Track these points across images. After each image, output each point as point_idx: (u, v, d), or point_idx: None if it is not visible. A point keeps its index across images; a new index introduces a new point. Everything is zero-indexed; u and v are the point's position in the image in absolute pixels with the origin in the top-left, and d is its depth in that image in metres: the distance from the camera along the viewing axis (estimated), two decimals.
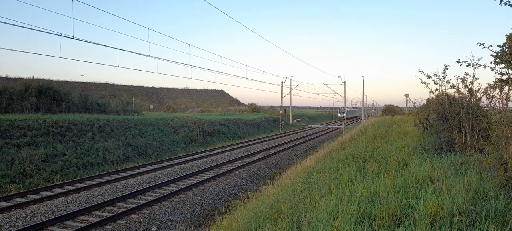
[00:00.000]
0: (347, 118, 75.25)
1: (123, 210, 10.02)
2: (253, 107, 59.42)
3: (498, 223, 3.68)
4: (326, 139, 31.99)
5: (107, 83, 75.10)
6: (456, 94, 9.29)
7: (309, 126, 53.60)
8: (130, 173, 15.40)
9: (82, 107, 24.89)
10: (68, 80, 66.68)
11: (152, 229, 9.12)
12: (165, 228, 9.24)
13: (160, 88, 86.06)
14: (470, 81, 8.54)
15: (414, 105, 17.11)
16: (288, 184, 8.94)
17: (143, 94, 76.20)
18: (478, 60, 7.47)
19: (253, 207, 6.85)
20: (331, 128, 48.19)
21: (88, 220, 9.32)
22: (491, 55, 6.06)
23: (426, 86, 9.98)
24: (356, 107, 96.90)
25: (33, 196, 11.37)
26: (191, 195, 12.12)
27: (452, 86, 9.16)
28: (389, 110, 48.27)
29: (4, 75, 54.80)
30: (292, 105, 55.65)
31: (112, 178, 14.08)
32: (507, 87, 6.53)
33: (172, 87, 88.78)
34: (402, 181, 5.50)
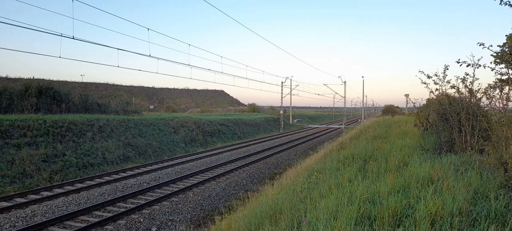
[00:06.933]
0: None
1: (123, 210, 10.02)
2: (253, 108, 59.44)
3: (498, 223, 3.68)
4: (326, 139, 31.98)
5: (107, 84, 75.00)
6: (456, 95, 9.28)
7: (309, 126, 53.58)
8: (130, 173, 15.41)
9: (82, 108, 24.89)
10: (68, 80, 66.54)
11: (152, 229, 9.11)
12: (165, 228, 9.24)
13: (160, 88, 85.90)
14: (470, 82, 8.52)
15: (414, 106, 17.09)
16: (288, 184, 8.93)
17: (143, 94, 76.11)
18: (478, 60, 7.45)
19: (253, 207, 6.85)
20: (331, 128, 48.26)
21: (88, 220, 9.32)
22: (491, 55, 6.04)
23: (426, 87, 9.97)
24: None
25: (33, 196, 11.38)
26: (191, 195, 12.12)
27: (452, 87, 9.15)
28: (389, 110, 48.09)
29: (4, 75, 54.75)
30: (292, 105, 55.63)
31: (112, 178, 14.08)
32: (507, 88, 6.52)
33: (172, 87, 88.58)
34: (402, 181, 5.49)
